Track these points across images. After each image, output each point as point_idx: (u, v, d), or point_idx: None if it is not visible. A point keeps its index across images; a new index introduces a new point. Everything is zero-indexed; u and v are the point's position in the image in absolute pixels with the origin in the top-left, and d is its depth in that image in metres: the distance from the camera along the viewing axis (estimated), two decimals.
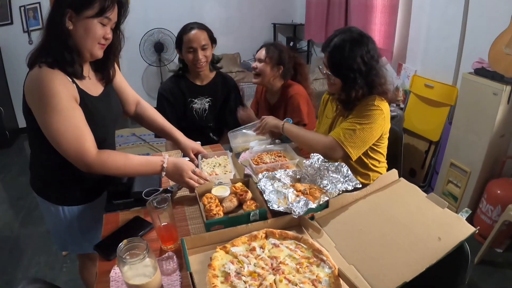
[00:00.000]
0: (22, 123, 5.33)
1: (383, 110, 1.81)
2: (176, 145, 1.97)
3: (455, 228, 1.19)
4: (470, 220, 2.90)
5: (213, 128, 2.54)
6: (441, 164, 3.18)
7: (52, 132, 1.38)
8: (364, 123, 1.79)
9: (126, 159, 1.52)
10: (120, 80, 1.81)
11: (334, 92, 1.95)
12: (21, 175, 4.29)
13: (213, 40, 2.36)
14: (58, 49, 1.39)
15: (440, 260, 1.10)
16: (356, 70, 1.78)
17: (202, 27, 2.31)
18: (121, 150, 1.87)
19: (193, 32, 2.25)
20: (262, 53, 2.52)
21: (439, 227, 1.21)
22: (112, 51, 1.60)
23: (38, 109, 1.39)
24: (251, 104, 2.99)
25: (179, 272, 1.23)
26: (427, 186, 3.43)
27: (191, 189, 1.61)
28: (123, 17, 1.54)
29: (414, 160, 3.54)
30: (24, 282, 1.25)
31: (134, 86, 1.92)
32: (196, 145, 1.96)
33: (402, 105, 3.65)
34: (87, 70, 1.56)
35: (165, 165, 1.56)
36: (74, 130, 1.39)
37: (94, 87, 1.59)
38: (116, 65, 1.72)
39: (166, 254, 1.30)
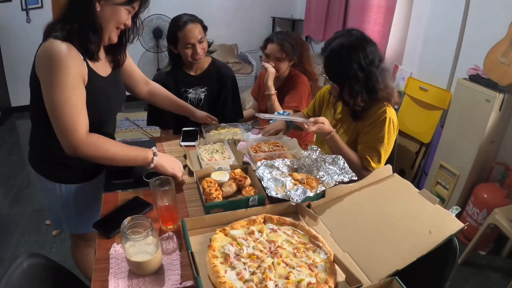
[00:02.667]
0: (14, 102, 5.30)
1: (395, 121, 1.81)
2: (191, 115, 2.12)
3: (445, 223, 1.24)
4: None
5: None
6: (430, 165, 3.25)
7: (52, 105, 1.39)
8: (385, 144, 1.79)
9: (116, 143, 1.54)
10: (130, 62, 1.83)
11: (336, 95, 1.94)
12: (12, 154, 4.27)
13: (205, 29, 2.31)
14: (82, 27, 1.40)
15: (430, 253, 1.15)
16: (352, 77, 1.76)
17: (194, 19, 2.25)
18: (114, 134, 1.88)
19: (188, 27, 2.20)
20: (277, 50, 2.55)
21: (430, 221, 1.26)
22: (123, 37, 1.62)
23: (46, 79, 1.39)
24: (253, 87, 3.03)
25: (179, 251, 1.27)
26: (415, 186, 3.47)
27: (176, 177, 1.61)
28: (144, 7, 1.55)
29: (404, 161, 3.60)
30: (24, 255, 1.27)
31: None
32: (206, 114, 2.16)
33: (396, 106, 3.70)
34: (100, 51, 1.57)
35: (155, 150, 1.56)
36: (72, 108, 1.39)
37: (103, 67, 1.61)
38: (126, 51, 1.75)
39: (166, 234, 1.33)
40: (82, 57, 1.44)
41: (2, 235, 2.97)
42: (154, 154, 1.55)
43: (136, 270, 1.17)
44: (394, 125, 1.81)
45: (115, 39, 1.53)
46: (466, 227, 1.23)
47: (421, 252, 1.14)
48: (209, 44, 2.40)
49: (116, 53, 1.67)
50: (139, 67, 2.02)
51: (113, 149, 1.50)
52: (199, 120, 2.15)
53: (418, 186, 3.47)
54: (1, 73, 5.08)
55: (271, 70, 2.54)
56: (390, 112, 1.80)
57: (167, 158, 1.61)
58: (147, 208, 1.48)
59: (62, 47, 1.37)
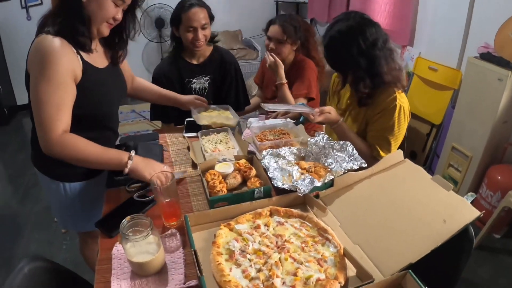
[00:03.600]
0: (20, 100, 5.28)
1: (406, 108, 1.74)
2: (178, 104, 2.06)
3: (460, 211, 1.18)
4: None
5: None
6: (442, 147, 3.17)
7: (35, 99, 1.38)
8: (395, 132, 1.73)
9: (91, 145, 1.45)
10: None
11: (341, 82, 1.88)
12: (19, 152, 4.26)
13: (211, 18, 2.27)
14: (71, 19, 1.39)
15: (444, 243, 1.09)
16: (353, 63, 1.69)
17: (201, 4, 2.20)
18: (121, 127, 1.84)
19: (193, 10, 2.14)
20: (279, 32, 2.45)
21: (444, 209, 1.20)
22: (123, 33, 1.61)
23: (34, 74, 1.38)
24: (256, 74, 2.96)
25: (182, 249, 1.23)
26: (427, 169, 3.42)
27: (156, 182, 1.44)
28: (141, 1, 1.54)
29: (415, 143, 3.52)
30: (25, 260, 1.24)
31: (134, 62, 1.92)
32: (194, 96, 2.10)
33: (406, 88, 3.62)
34: (95, 44, 1.55)
35: (132, 154, 1.47)
36: (54, 105, 1.37)
37: (100, 59, 1.59)
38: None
39: (169, 231, 1.29)
40: (75, 51, 1.42)
41: (12, 234, 2.97)
42: (130, 158, 1.46)
43: (138, 271, 1.13)
44: (405, 112, 1.74)
45: (105, 32, 1.50)
46: (482, 215, 1.17)
47: (435, 243, 1.08)
48: (214, 36, 2.37)
49: (114, 48, 1.65)
50: (142, 57, 2.00)
51: (85, 151, 1.44)
52: (187, 105, 2.07)
53: (430, 168, 3.40)
54: (5, 71, 5.06)
55: (279, 60, 2.42)
56: (401, 100, 1.73)
57: (145, 163, 1.48)
58: (150, 204, 1.43)
59: (54, 43, 1.36)
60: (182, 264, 1.16)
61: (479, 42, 2.77)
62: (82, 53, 1.46)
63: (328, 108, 1.76)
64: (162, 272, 1.15)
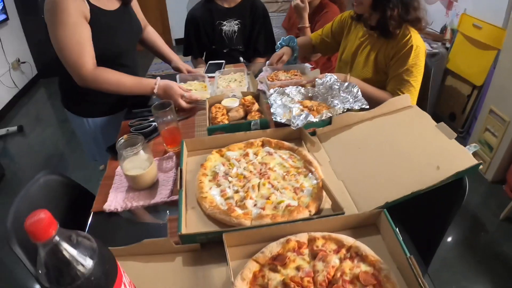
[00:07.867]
0: None
1: (420, 46, 1.67)
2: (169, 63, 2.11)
3: (457, 159, 1.11)
4: (503, 173, 2.78)
5: (243, 52, 2.56)
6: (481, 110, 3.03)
7: (57, 44, 1.49)
8: (414, 73, 1.66)
9: (120, 77, 1.61)
10: (134, 3, 1.84)
11: (362, 12, 1.79)
12: None
13: None
14: None
15: (436, 191, 1.05)
16: None
17: None
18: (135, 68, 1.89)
19: None
20: None
21: (441, 156, 1.14)
22: None
23: (49, 23, 1.48)
24: (284, 19, 3.02)
25: (175, 170, 1.31)
26: (465, 132, 3.30)
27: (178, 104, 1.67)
28: None
29: (456, 104, 3.39)
30: (42, 172, 1.37)
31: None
32: (186, 69, 2.04)
33: (448, 45, 3.45)
34: None
35: (155, 91, 1.66)
36: (76, 44, 1.49)
37: (109, 2, 1.65)
38: None
39: (167, 154, 1.38)
40: None
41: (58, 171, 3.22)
42: (156, 83, 1.66)
43: (132, 184, 1.24)
44: (421, 51, 1.67)
45: None
46: (481, 165, 1.11)
47: (419, 187, 1.03)
48: None
49: None
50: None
51: (118, 82, 1.60)
52: (175, 69, 2.08)
53: (468, 132, 3.27)
54: None
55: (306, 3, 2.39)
56: (416, 39, 1.66)
57: (164, 95, 1.67)
58: (156, 133, 1.54)
59: None
60: (172, 182, 1.26)
61: None
62: None
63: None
64: (153, 187, 1.25)
